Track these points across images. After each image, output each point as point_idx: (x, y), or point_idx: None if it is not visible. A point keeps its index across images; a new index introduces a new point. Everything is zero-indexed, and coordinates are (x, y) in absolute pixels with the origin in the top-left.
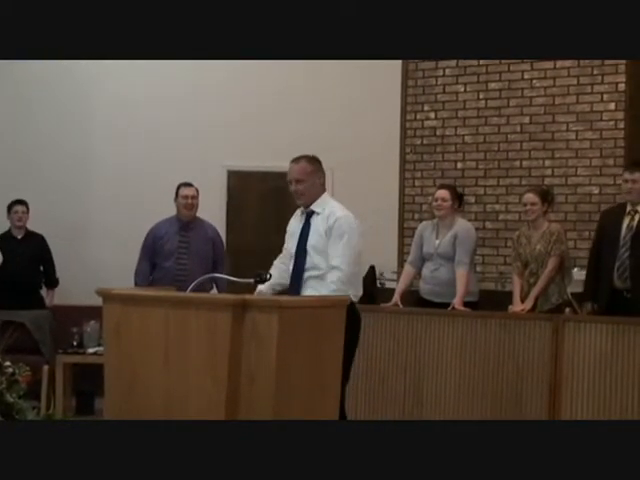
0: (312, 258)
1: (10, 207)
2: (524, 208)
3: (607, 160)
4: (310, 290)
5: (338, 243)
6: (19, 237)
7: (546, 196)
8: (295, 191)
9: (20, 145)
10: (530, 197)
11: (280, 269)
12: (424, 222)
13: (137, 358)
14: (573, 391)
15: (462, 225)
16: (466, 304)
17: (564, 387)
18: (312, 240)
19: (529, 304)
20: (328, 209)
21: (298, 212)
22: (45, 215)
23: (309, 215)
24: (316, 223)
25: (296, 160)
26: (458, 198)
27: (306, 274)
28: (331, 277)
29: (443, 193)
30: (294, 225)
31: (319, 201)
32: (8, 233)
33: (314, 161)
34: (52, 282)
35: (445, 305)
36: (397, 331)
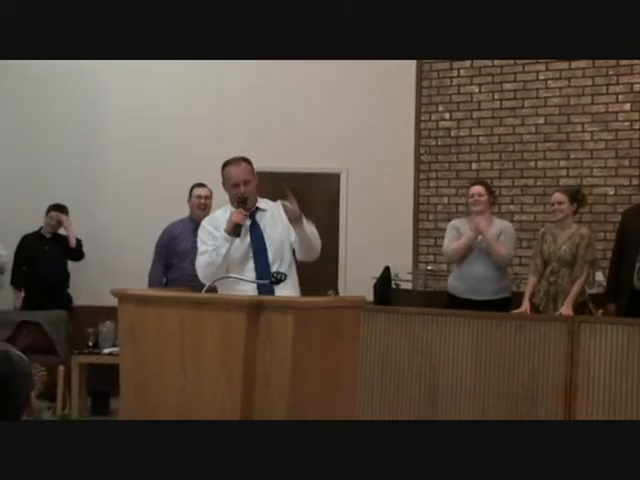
0: (279, 253)
1: (49, 210)
2: (552, 207)
3: (622, 161)
4: (288, 290)
5: None
6: (47, 237)
7: (575, 196)
8: (244, 193)
9: (39, 145)
10: (557, 196)
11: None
12: (456, 219)
13: (152, 358)
14: (589, 393)
15: (505, 223)
16: (500, 300)
17: (579, 389)
18: (275, 235)
19: (569, 311)
20: (268, 204)
21: (222, 216)
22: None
23: (252, 215)
24: (267, 220)
25: (235, 162)
26: (492, 194)
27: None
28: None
29: (479, 188)
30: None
31: (259, 200)
32: (38, 232)
33: (250, 161)
34: (78, 257)
35: (484, 303)
36: (412, 332)
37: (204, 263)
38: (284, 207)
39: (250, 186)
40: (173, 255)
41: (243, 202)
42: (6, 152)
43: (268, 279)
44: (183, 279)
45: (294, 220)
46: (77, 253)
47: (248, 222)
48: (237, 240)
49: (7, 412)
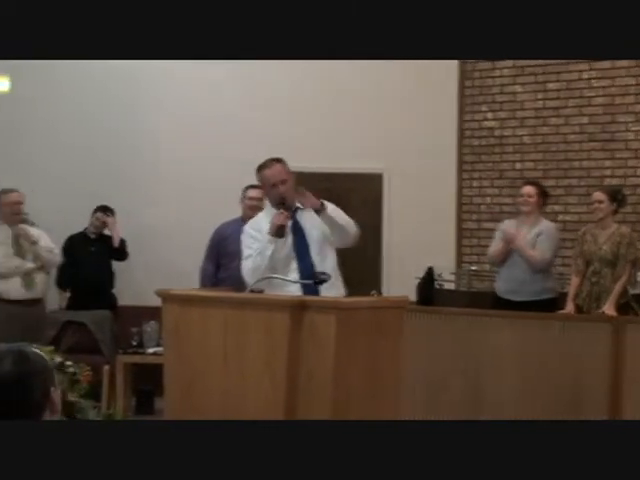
0: (322, 251)
1: (95, 211)
2: (592, 206)
3: None
4: (334, 290)
5: None
6: (92, 237)
7: (615, 195)
8: (282, 192)
9: (84, 146)
10: (597, 195)
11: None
12: (507, 221)
13: (196, 358)
14: (634, 394)
15: (548, 224)
16: (543, 301)
17: (625, 390)
18: (316, 233)
19: (611, 310)
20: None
21: (264, 218)
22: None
23: (293, 213)
24: (308, 218)
25: (269, 164)
26: (544, 195)
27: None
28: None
29: (529, 189)
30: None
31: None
32: (83, 233)
33: (284, 161)
34: (122, 257)
35: (524, 304)
36: (455, 333)
37: (250, 268)
38: (300, 202)
39: (287, 185)
40: (223, 255)
41: (283, 202)
42: (50, 153)
43: (311, 279)
44: (232, 279)
45: (316, 210)
46: (121, 253)
47: (289, 222)
48: (280, 241)
49: (25, 411)
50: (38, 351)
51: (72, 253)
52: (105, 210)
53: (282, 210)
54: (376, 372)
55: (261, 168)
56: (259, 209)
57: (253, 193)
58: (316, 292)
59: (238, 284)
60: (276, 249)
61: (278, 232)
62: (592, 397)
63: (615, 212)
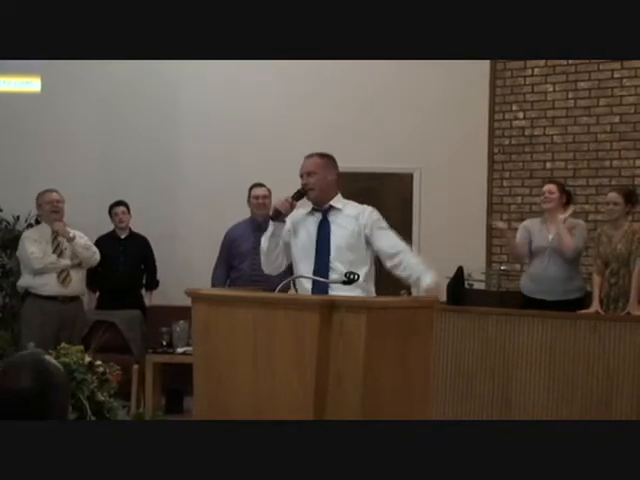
0: (343, 254)
1: (111, 209)
2: (607, 207)
3: None
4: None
5: (388, 233)
6: (122, 237)
7: (630, 197)
8: (305, 184)
9: (113, 147)
10: (614, 196)
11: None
12: (528, 220)
13: (225, 358)
14: None
15: (578, 220)
16: (572, 301)
17: None
18: (343, 237)
19: (636, 310)
20: (349, 206)
21: (302, 211)
22: (138, 216)
23: (325, 212)
24: (340, 220)
25: (308, 156)
26: (566, 194)
27: (332, 275)
28: (411, 255)
29: (550, 187)
30: (301, 224)
31: (336, 198)
32: (112, 233)
33: (327, 157)
34: (152, 284)
35: (553, 303)
36: (485, 332)
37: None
38: None
39: (313, 178)
40: (235, 257)
41: (300, 193)
42: (79, 155)
43: (325, 277)
44: (243, 279)
45: None
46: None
47: (319, 218)
48: (304, 236)
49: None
50: (57, 363)
51: (102, 253)
52: (120, 204)
53: (289, 198)
54: (406, 372)
55: (305, 158)
56: (266, 207)
57: (257, 192)
58: (325, 292)
59: (249, 283)
60: (276, 234)
61: (274, 215)
62: (622, 398)
63: (628, 212)
